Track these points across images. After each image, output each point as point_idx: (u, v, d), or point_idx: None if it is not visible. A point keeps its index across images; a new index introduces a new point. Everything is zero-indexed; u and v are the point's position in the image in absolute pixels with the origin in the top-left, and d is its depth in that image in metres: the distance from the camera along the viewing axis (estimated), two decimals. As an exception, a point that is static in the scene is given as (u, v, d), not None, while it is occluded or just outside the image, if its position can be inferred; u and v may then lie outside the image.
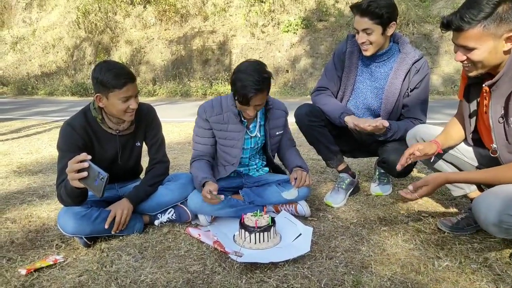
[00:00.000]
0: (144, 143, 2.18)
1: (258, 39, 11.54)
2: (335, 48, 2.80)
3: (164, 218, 2.10)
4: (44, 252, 1.87)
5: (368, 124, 2.07)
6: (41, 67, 13.95)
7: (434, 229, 1.99)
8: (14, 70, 14.49)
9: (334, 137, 2.39)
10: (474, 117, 1.76)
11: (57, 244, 1.93)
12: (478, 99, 1.71)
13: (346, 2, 11.04)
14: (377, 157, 2.48)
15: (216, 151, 2.22)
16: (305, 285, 1.52)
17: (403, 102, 2.23)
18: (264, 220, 1.83)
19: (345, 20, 10.86)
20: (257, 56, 10.88)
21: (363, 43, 2.14)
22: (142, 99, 10.22)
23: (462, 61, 1.55)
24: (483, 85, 1.61)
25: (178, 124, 5.91)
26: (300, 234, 1.88)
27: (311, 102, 2.42)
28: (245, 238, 1.80)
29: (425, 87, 2.21)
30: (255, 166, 2.32)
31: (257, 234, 1.78)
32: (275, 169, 2.39)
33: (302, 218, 2.14)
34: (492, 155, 1.69)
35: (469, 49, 1.49)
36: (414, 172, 2.94)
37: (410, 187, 1.67)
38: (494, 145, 1.65)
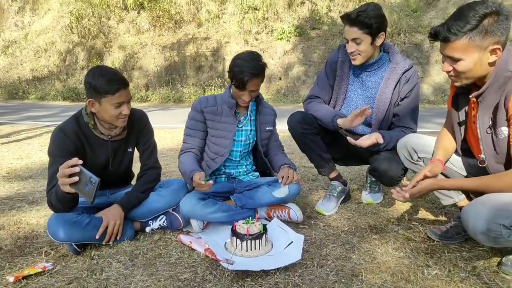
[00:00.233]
0: (136, 149, 2.18)
1: (252, 46, 11.61)
2: (327, 56, 2.82)
3: (155, 225, 2.09)
4: (32, 259, 1.85)
5: (363, 141, 2.11)
6: (33, 71, 13.86)
7: (424, 237, 2.01)
8: (5, 74, 14.38)
9: (326, 145, 2.41)
10: (463, 126, 1.79)
11: (46, 251, 1.91)
12: (467, 109, 1.74)
13: (339, 11, 11.19)
14: (369, 165, 2.50)
15: (205, 145, 2.26)
16: (296, 293, 1.53)
17: (394, 111, 2.26)
18: (255, 228, 1.83)
19: (337, 29, 10.99)
20: (251, 63, 10.92)
21: (352, 52, 2.17)
22: (135, 104, 10.19)
23: (448, 72, 1.59)
24: (470, 96, 1.65)
25: (171, 130, 5.90)
26: (292, 242, 1.88)
27: (303, 110, 2.45)
28: (236, 245, 1.80)
29: (415, 97, 2.25)
30: (245, 169, 2.34)
31: (249, 241, 1.78)
32: (264, 174, 2.40)
33: (294, 225, 2.15)
34: (480, 165, 1.72)
35: (455, 60, 1.53)
36: (404, 181, 2.96)
37: (407, 194, 1.71)
38: (483, 155, 1.68)
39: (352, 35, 2.13)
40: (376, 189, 2.58)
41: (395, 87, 2.21)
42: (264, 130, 2.32)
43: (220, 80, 11.48)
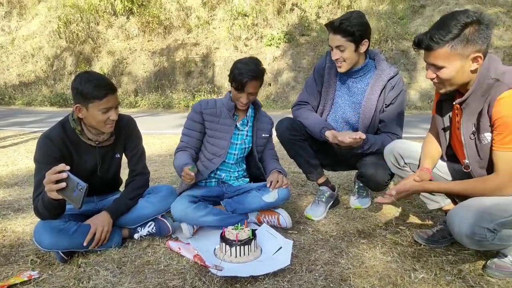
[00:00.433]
0: (124, 154, 2.17)
1: (241, 52, 11.65)
2: (316, 63, 2.86)
3: (144, 231, 2.08)
4: (18, 267, 1.82)
5: (348, 137, 2.12)
6: (19, 77, 13.65)
7: (411, 241, 2.03)
8: (-9, 79, 14.14)
9: (314, 151, 2.43)
10: (448, 132, 1.82)
11: (32, 260, 1.88)
12: (451, 115, 1.78)
13: (328, 18, 11.31)
14: (357, 171, 2.53)
15: (202, 146, 2.30)
16: (285, 298, 1.53)
17: (380, 117, 2.30)
18: (244, 233, 1.83)
19: (326, 35, 10.97)
20: (240, 69, 10.94)
21: (337, 59, 2.21)
22: (124, 110, 10.13)
23: (432, 79, 1.63)
24: (454, 103, 1.69)
25: (160, 136, 5.86)
26: (281, 247, 1.89)
27: (291, 116, 2.47)
28: (225, 251, 1.80)
29: (400, 103, 2.29)
30: (237, 175, 2.35)
31: (238, 247, 1.78)
32: (258, 180, 2.41)
33: (283, 230, 2.16)
34: (465, 170, 1.75)
35: (439, 68, 1.57)
36: (391, 185, 3.00)
37: (393, 192, 1.74)
38: (467, 161, 1.72)
39: (336, 42, 2.17)
40: (364, 194, 2.61)
41: (380, 93, 2.24)
42: (260, 137, 2.36)
43: (210, 86, 11.47)
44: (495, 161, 1.56)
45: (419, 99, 9.66)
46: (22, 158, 4.40)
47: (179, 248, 1.92)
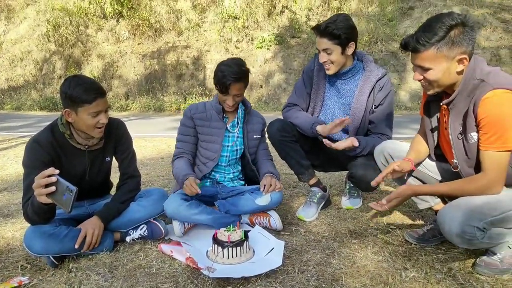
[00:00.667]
0: (114, 158, 2.15)
1: (232, 55, 11.66)
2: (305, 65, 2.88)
3: (135, 234, 2.07)
4: (8, 273, 1.80)
5: (342, 144, 2.17)
6: (8, 81, 13.48)
7: (402, 241, 2.05)
8: (-21, 84, 13.94)
9: (305, 152, 2.44)
10: (436, 132, 1.85)
11: (22, 265, 1.86)
12: (438, 115, 1.81)
13: (318, 20, 11.39)
14: (348, 171, 2.55)
15: (197, 150, 2.32)
16: (277, 299, 1.54)
17: (369, 118, 2.32)
18: (237, 235, 1.83)
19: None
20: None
21: (324, 62, 2.24)
22: (115, 114, 10.06)
23: (419, 80, 1.66)
24: (441, 103, 1.71)
25: (151, 139, 5.84)
26: (273, 248, 1.89)
27: (282, 118, 2.48)
28: (218, 253, 1.80)
29: (389, 104, 2.31)
30: (232, 176, 2.36)
31: (230, 249, 1.79)
32: (252, 182, 2.42)
33: (275, 232, 2.17)
34: (453, 169, 1.78)
35: (425, 69, 1.59)
36: (382, 186, 3.03)
37: (384, 201, 1.75)
38: (455, 160, 1.74)
39: (323, 45, 2.19)
40: (355, 194, 2.63)
41: (369, 94, 2.27)
42: (252, 139, 2.37)
43: (201, 88, 11.46)
44: (482, 160, 1.59)
45: (409, 100, 9.76)
46: (11, 163, 4.35)
47: (171, 251, 1.91)
